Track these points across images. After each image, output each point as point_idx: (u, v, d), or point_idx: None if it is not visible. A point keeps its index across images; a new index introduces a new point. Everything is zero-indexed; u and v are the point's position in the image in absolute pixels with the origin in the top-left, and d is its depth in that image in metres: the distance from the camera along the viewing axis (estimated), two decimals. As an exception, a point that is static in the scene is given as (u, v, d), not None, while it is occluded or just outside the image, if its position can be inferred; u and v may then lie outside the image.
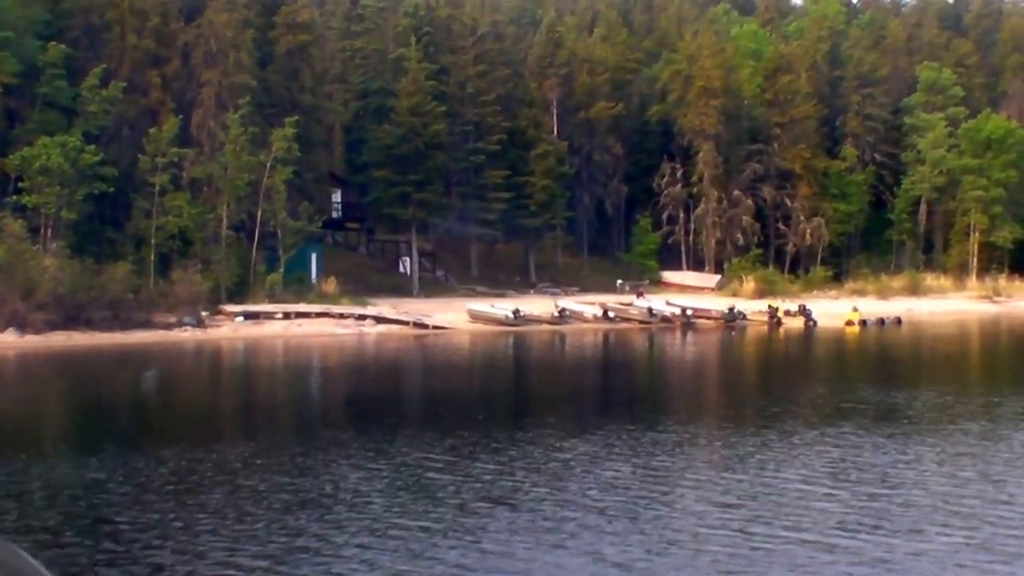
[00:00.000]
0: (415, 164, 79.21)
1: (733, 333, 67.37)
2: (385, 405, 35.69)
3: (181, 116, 67.12)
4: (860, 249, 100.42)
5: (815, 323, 70.59)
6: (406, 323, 64.67)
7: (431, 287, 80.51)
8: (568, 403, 36.54)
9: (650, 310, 71.05)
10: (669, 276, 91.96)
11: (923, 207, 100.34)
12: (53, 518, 19.07)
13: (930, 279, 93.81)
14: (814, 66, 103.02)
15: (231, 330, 61.04)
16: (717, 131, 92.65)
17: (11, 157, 62.12)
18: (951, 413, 31.50)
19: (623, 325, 69.19)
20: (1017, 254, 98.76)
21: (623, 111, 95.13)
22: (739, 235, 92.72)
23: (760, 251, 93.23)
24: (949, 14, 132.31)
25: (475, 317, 67.59)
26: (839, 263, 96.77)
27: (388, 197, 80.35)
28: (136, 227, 65.02)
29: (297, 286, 68.44)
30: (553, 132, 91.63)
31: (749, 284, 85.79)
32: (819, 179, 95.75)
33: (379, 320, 64.74)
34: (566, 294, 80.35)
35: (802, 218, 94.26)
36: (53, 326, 55.65)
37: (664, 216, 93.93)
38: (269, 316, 63.49)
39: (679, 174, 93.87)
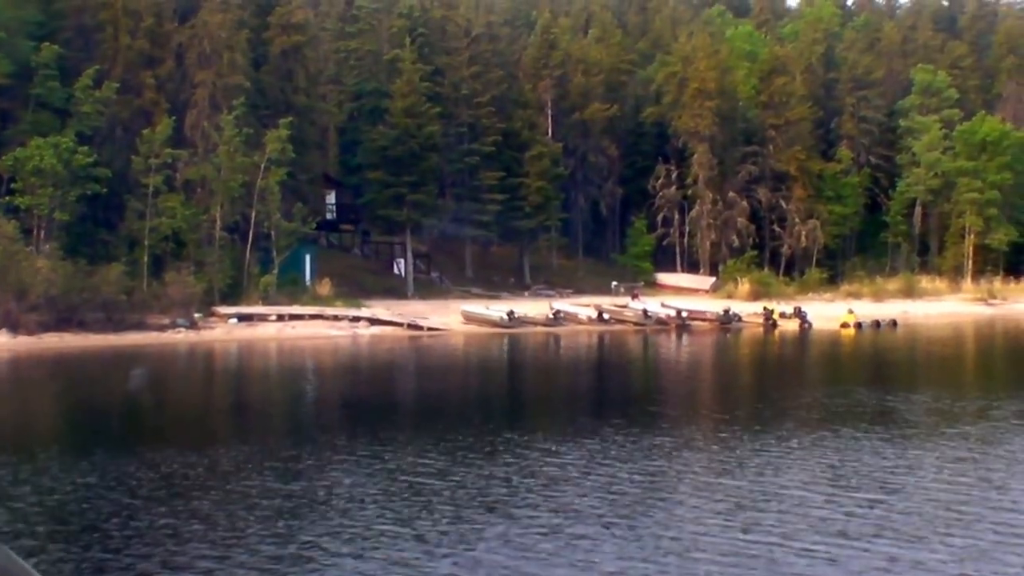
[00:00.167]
0: (409, 165, 78.96)
1: (728, 335, 67.23)
2: (379, 408, 35.46)
3: (175, 117, 66.78)
4: (855, 251, 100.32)
5: (810, 325, 70.43)
6: (400, 325, 64.45)
7: (425, 289, 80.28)
8: (563, 406, 36.36)
9: (645, 312, 70.88)
10: (664, 278, 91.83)
11: (918, 209, 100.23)
12: (41, 523, 18.83)
13: (925, 281, 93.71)
14: (809, 68, 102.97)
15: (224, 332, 60.78)
16: (712, 133, 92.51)
17: (4, 158, 61.77)
18: (949, 416, 31.36)
19: (618, 327, 69.00)
20: (1012, 256, 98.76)
21: (618, 113, 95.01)
22: (734, 237, 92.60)
23: (755, 253, 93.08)
24: (944, 16, 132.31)
25: (469, 319, 67.40)
26: (834, 265, 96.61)
27: (382, 198, 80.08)
28: (129, 228, 64.68)
29: (291, 288, 68.14)
30: (548, 133, 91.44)
31: (744, 286, 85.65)
32: (814, 181, 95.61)
33: (373, 322, 64.53)
34: (561, 296, 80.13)
35: (797, 220, 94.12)
36: (46, 327, 55.41)
37: (659, 218, 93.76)
38: (263, 318, 63.26)
39: (674, 176, 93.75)
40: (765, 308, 73.58)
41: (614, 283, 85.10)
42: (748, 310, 74.01)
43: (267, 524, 18.60)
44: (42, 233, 61.51)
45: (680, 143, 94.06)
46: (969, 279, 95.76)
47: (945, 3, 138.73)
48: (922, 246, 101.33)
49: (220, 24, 70.37)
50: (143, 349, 53.58)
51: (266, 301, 65.24)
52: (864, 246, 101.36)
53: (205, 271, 64.47)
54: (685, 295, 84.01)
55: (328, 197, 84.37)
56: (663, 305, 73.86)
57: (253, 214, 67.73)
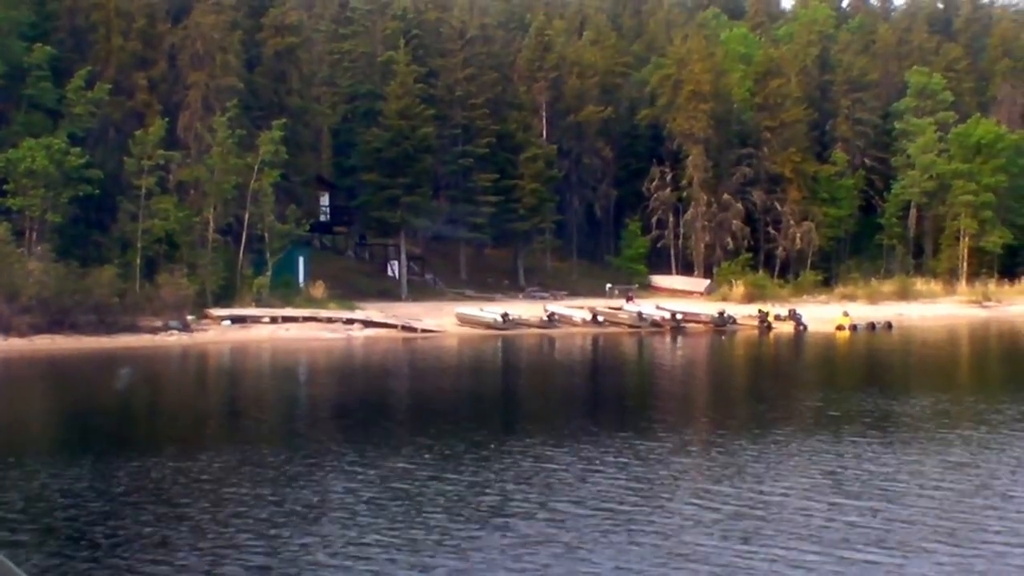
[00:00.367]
0: (403, 167, 78.73)
1: (723, 337, 67.02)
2: (372, 411, 35.17)
3: (167, 118, 66.47)
4: (850, 254, 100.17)
5: (805, 328, 70.25)
6: (394, 327, 64.23)
7: (419, 291, 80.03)
8: (558, 409, 36.10)
9: (640, 314, 70.65)
10: (658, 280, 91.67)
11: (913, 212, 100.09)
12: (28, 530, 18.56)
13: (920, 284, 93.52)
14: (804, 70, 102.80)
15: (217, 334, 60.48)
16: (707, 135, 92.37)
17: (-4, 159, 61.57)
18: (949, 420, 31.15)
19: (612, 329, 68.79)
20: (1006, 259, 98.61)
21: (612, 115, 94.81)
22: (729, 239, 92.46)
23: (750, 255, 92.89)
24: (939, 18, 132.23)
25: (464, 321, 67.17)
26: (829, 268, 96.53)
27: (376, 200, 79.85)
28: (122, 230, 64.36)
29: (284, 290, 67.86)
30: (542, 136, 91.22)
31: (739, 288, 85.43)
32: (809, 183, 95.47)
33: (367, 324, 64.26)
34: (555, 298, 79.89)
35: (792, 222, 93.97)
36: (37, 330, 55.12)
37: (653, 220, 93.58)
38: (256, 320, 62.96)
39: (668, 178, 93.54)
40: (760, 310, 73.36)
41: (608, 285, 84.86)
42: (743, 312, 73.82)
43: (257, 532, 18.32)
44: (34, 235, 61.19)
45: (675, 145, 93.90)
46: (964, 281, 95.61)
47: (940, 5, 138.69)
48: (917, 248, 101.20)
49: (213, 25, 70.09)
50: (136, 351, 53.28)
51: (259, 303, 64.95)
52: (859, 248, 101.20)
53: (198, 273, 64.16)
54: (680, 297, 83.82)
55: (322, 199, 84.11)
56: (658, 307, 73.64)
57: (246, 216, 67.44)
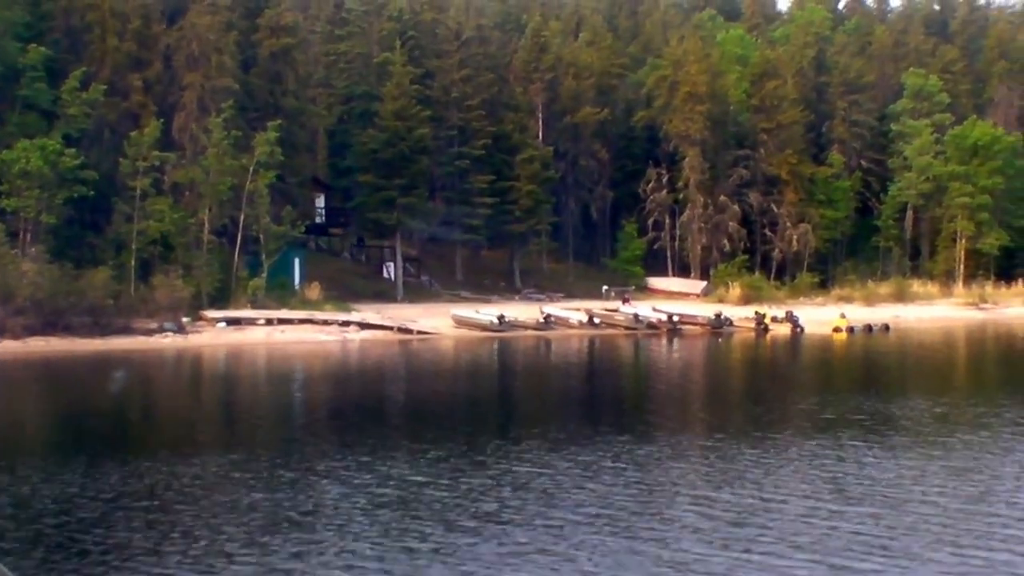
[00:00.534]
0: (399, 169, 78.56)
1: (720, 340, 66.79)
2: (368, 414, 34.95)
3: (163, 119, 66.28)
4: (846, 255, 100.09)
5: (802, 330, 70.06)
6: (390, 329, 64.02)
7: (415, 293, 79.88)
8: (556, 412, 35.87)
9: (636, 316, 70.47)
10: (655, 282, 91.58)
11: (909, 213, 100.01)
12: (17, 536, 18.29)
13: (917, 286, 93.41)
14: (800, 72, 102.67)
15: (213, 336, 60.22)
16: (703, 136, 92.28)
17: (-10, 160, 61.31)
18: (949, 424, 30.96)
19: (609, 331, 68.61)
20: (1003, 261, 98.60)
21: (608, 116, 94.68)
22: (725, 241, 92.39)
23: (746, 257, 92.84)
24: (935, 20, 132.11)
25: (460, 323, 66.98)
26: (825, 269, 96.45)
27: (372, 202, 79.68)
28: (117, 232, 64.10)
29: (280, 292, 67.63)
30: (538, 137, 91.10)
31: (735, 290, 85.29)
32: (805, 185, 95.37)
33: (363, 326, 64.06)
34: (551, 300, 79.74)
35: (788, 224, 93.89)
36: (31, 332, 54.88)
37: (650, 222, 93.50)
38: (251, 322, 62.72)
39: (665, 180, 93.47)
40: (757, 312, 73.23)
41: (605, 287, 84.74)
42: (739, 314, 73.68)
43: (251, 538, 18.08)
44: (28, 236, 60.95)
45: (671, 147, 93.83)
46: (960, 283, 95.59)
47: (936, 7, 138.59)
48: (913, 250, 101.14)
49: (208, 26, 69.89)
50: (130, 354, 53.03)
51: (255, 305, 64.72)
52: (855, 250, 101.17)
53: (193, 275, 63.94)
54: (676, 299, 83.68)
55: (317, 200, 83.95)
56: (654, 309, 73.47)
57: (242, 217, 67.26)
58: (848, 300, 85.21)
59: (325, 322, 63.93)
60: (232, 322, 62.16)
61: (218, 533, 18.42)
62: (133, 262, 62.75)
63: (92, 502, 20.55)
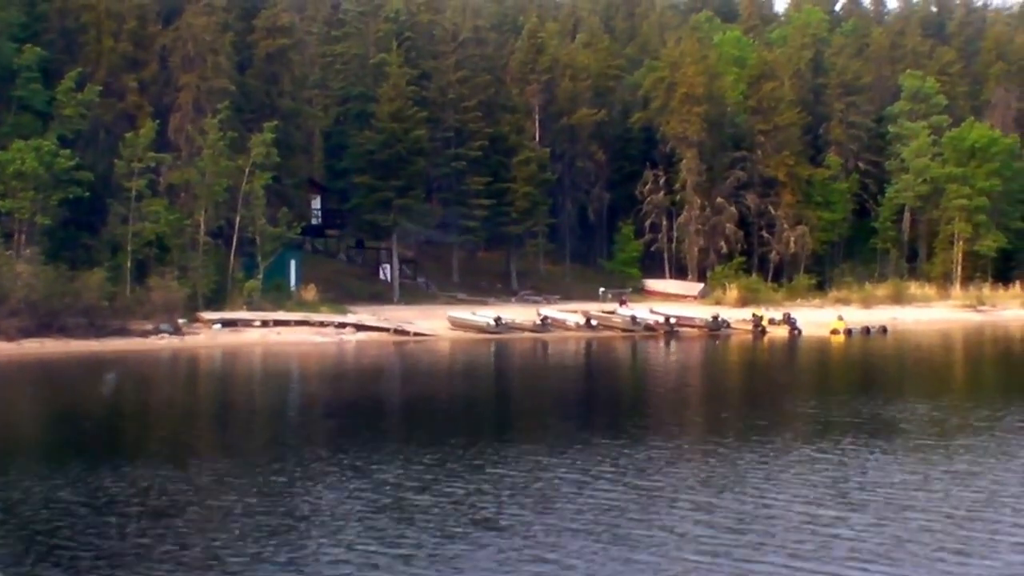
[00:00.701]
0: (396, 170, 78.35)
1: (717, 342, 66.64)
2: (364, 417, 34.71)
3: (158, 120, 66.12)
4: (844, 257, 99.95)
5: (800, 332, 69.87)
6: (386, 331, 63.83)
7: (412, 294, 79.66)
8: (553, 415, 35.65)
9: (633, 318, 70.27)
10: (652, 284, 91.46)
11: (907, 215, 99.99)
12: (7, 542, 18.06)
13: (914, 288, 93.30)
14: (797, 73, 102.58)
15: (208, 338, 59.99)
16: (700, 138, 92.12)
17: (-16, 161, 61.05)
18: (951, 427, 30.78)
19: (606, 333, 68.40)
20: (1001, 263, 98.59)
21: (605, 118, 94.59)
22: (722, 243, 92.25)
23: (743, 259, 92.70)
24: (932, 22, 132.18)
25: (456, 324, 66.77)
26: (823, 271, 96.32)
27: (368, 203, 79.46)
28: (112, 233, 63.90)
29: (276, 293, 67.41)
30: (535, 138, 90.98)
31: (732, 292, 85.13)
32: (803, 187, 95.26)
33: (359, 328, 63.85)
34: (548, 302, 79.51)
35: (786, 226, 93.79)
36: (26, 333, 54.54)
37: (647, 224, 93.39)
38: (247, 324, 62.48)
39: (662, 181, 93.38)
40: (754, 314, 73.07)
41: (602, 289, 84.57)
42: (736, 316, 73.55)
43: (245, 544, 17.84)
44: (23, 237, 60.69)
45: (668, 148, 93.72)
46: (958, 285, 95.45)
47: (933, 9, 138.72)
48: (911, 252, 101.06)
49: (204, 27, 69.72)
50: (126, 355, 52.74)
51: (251, 307, 64.51)
52: (853, 252, 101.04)
53: (189, 276, 63.75)
54: (673, 301, 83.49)
55: (313, 202, 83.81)
56: (651, 311, 73.30)
57: (237, 219, 67.08)
58: (845, 302, 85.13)
59: (321, 324, 63.73)
60: (228, 324, 61.92)
61: (212, 538, 18.22)
62: (129, 263, 62.57)
63: (84, 507, 20.31)
